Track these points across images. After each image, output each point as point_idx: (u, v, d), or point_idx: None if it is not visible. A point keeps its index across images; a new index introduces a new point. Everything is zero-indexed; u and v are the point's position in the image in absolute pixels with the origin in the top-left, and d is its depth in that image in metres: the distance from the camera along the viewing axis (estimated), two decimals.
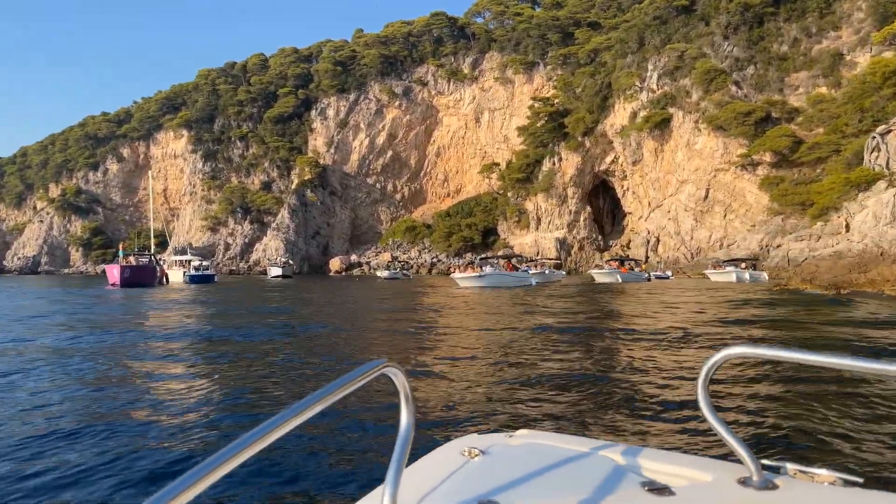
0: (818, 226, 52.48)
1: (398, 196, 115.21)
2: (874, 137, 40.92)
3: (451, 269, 44.44)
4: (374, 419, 6.24)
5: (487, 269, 39.55)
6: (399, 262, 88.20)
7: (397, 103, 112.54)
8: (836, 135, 57.33)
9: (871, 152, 40.70)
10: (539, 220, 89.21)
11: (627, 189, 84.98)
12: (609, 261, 52.91)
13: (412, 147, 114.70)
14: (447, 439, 2.01)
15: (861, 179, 38.99)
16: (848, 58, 63.13)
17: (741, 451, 1.51)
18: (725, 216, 65.34)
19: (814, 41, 66.54)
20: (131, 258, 49.40)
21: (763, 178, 61.41)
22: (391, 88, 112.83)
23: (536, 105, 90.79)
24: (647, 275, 51.65)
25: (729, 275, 45.51)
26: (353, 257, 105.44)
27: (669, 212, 70.22)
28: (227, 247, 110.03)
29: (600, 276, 48.24)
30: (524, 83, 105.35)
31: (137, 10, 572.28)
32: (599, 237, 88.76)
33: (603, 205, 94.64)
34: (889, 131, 39.29)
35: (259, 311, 23.50)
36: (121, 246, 50.99)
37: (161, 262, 58.98)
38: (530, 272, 43.11)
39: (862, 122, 56.49)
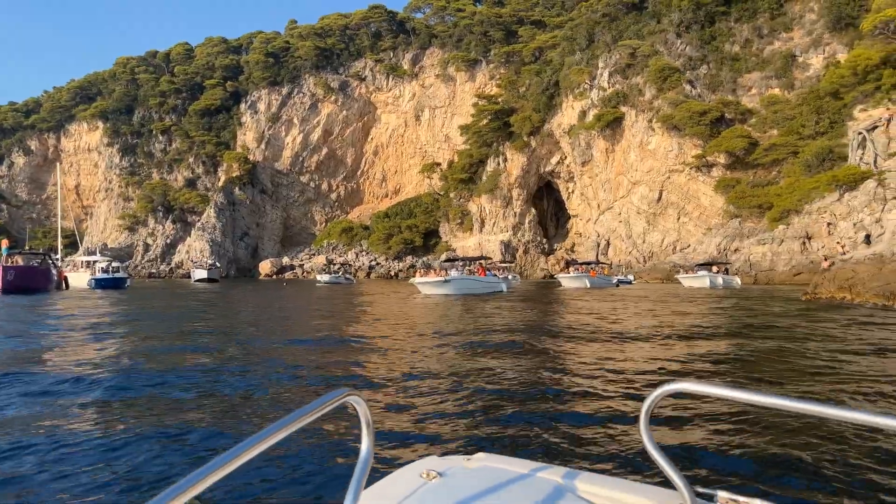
0: (780, 229, 50.65)
1: (334, 196, 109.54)
2: (860, 133, 38.96)
3: (416, 273, 39.14)
4: (335, 442, 5.98)
5: (454, 274, 34.85)
6: (341, 265, 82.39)
7: (333, 98, 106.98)
8: (793, 136, 55.90)
9: (857, 149, 38.67)
10: (483, 222, 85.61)
11: (573, 191, 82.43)
12: (578, 264, 49.41)
13: (349, 144, 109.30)
14: (408, 461, 2.04)
15: (849, 179, 36.84)
16: (800, 59, 62.11)
17: (676, 479, 1.61)
18: (679, 219, 63.20)
19: (766, 42, 65.40)
20: (18, 257, 41.42)
21: (719, 180, 59.51)
22: (327, 82, 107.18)
23: (481, 103, 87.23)
24: (615, 279, 48.41)
25: (702, 280, 42.67)
26: (285, 260, 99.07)
27: (621, 214, 67.70)
28: (147, 248, 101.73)
29: (568, 282, 44.61)
30: (466, 81, 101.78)
31: None
32: (544, 240, 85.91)
33: (547, 207, 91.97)
34: (875, 127, 37.35)
35: (171, 324, 18.45)
36: (2, 243, 42.44)
37: (58, 263, 50.33)
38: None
39: (819, 124, 55.27)
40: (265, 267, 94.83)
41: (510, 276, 44.84)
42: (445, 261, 42.76)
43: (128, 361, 11.10)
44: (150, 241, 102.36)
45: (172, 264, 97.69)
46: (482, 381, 8.98)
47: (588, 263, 49.59)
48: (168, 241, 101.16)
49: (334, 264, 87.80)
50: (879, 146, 36.81)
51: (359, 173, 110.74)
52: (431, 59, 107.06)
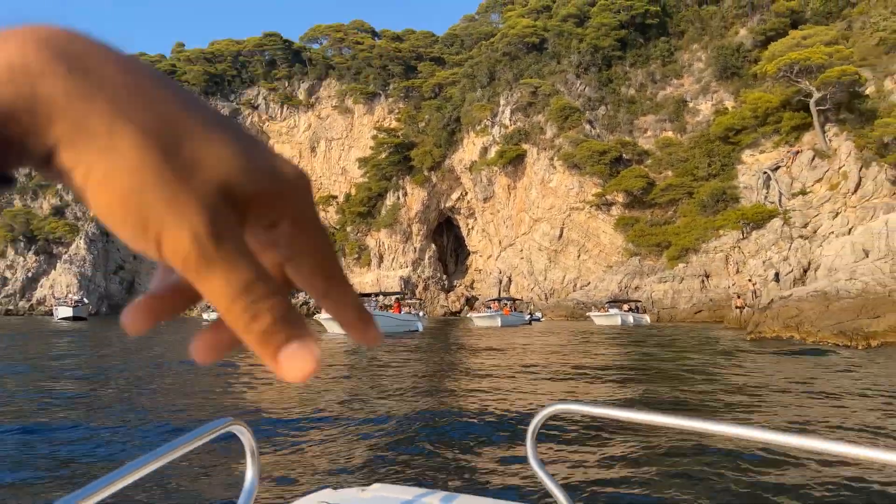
0: (680, 267, 51.44)
1: None
2: (765, 173, 39.98)
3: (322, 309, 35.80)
4: (221, 472, 5.92)
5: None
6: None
7: None
8: (688, 177, 57.59)
9: (760, 190, 39.58)
10: (381, 257, 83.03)
11: (473, 227, 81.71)
12: (491, 301, 47.63)
13: None
14: (303, 493, 2.04)
15: (757, 217, 37.46)
16: (691, 105, 64.75)
17: (559, 495, 1.67)
18: (579, 256, 63.41)
19: (659, 87, 67.88)
20: None
21: (618, 219, 60.26)
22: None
23: (380, 136, 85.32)
24: (528, 317, 46.95)
25: (614, 318, 41.93)
26: None
27: (522, 251, 67.23)
28: (5, 282, 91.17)
29: (481, 321, 42.57)
30: (364, 113, 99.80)
31: None
32: (444, 276, 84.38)
33: (447, 243, 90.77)
34: (777, 167, 38.39)
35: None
36: None
37: None
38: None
39: (711, 167, 57.28)
40: None
41: (421, 314, 42.35)
42: (361, 295, 39.86)
43: None
44: (8, 274, 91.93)
45: (33, 300, 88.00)
46: (382, 411, 8.87)
47: (499, 300, 48.05)
48: (29, 274, 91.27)
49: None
50: (783, 185, 37.92)
51: None
52: (328, 90, 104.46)
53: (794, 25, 59.26)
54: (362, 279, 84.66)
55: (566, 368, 15.63)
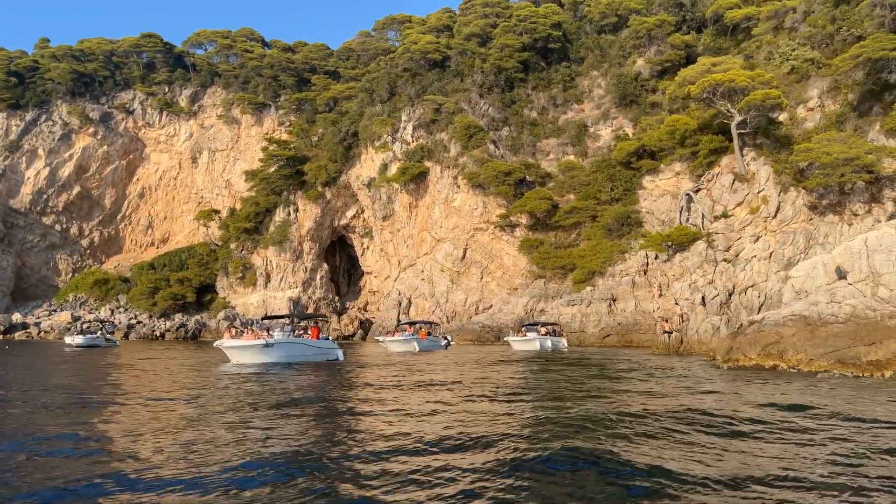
0: (588, 290, 50.88)
1: (86, 242, 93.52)
2: (687, 195, 39.84)
3: (226, 332, 30.06)
4: None
5: (278, 335, 27.02)
6: (100, 322, 67.88)
7: (92, 130, 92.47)
8: (591, 200, 57.66)
9: (682, 212, 39.40)
10: (269, 276, 77.75)
11: (368, 247, 78.46)
12: (406, 324, 44.40)
13: (108, 184, 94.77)
14: None
15: (681, 239, 37.04)
16: (591, 130, 65.45)
17: None
18: (482, 278, 61.83)
19: (560, 111, 68.28)
20: None
21: (522, 240, 59.31)
22: (84, 111, 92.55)
23: (271, 147, 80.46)
24: (444, 341, 44.11)
25: (532, 342, 40.09)
26: (16, 317, 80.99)
27: (423, 271, 64.78)
28: None
29: (396, 346, 39.28)
30: (253, 124, 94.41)
31: None
32: (336, 298, 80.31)
33: (339, 263, 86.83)
34: (698, 189, 38.34)
35: None
36: None
37: None
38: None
39: (614, 191, 57.67)
40: None
41: (328, 337, 38.34)
42: (264, 318, 34.53)
43: None
44: None
45: None
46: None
47: (414, 323, 44.98)
48: None
49: (84, 322, 73.19)
50: (706, 207, 37.93)
51: (119, 217, 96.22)
52: (214, 98, 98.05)
53: (688, 58, 61.55)
54: (246, 300, 78.93)
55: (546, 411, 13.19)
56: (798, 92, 43.79)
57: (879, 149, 34.93)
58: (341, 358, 28.85)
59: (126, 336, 75.46)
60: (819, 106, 42.16)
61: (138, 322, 79.34)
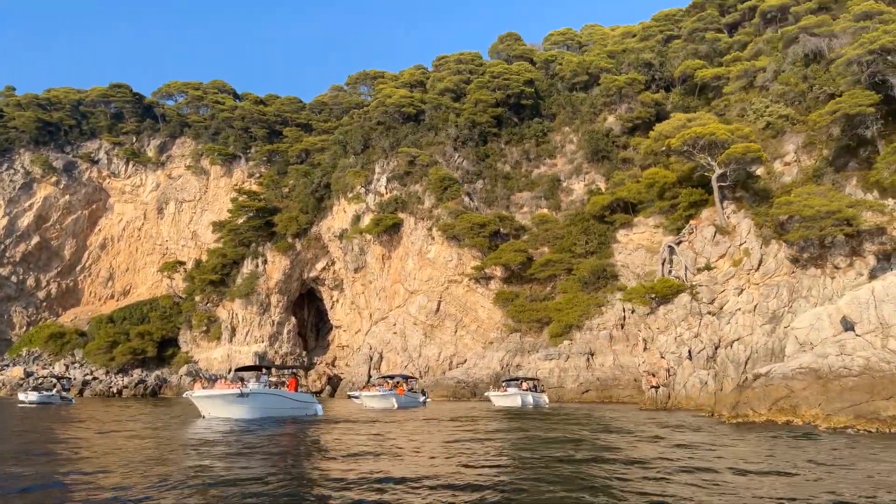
0: (565, 344, 49.95)
1: (42, 294, 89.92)
2: (669, 247, 39.53)
3: (194, 383, 27.92)
4: None
5: (253, 386, 25.02)
6: (57, 377, 64.14)
7: (54, 179, 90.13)
8: (566, 254, 57.32)
9: (664, 264, 39.00)
10: (234, 330, 75.20)
11: (338, 300, 76.69)
12: (383, 378, 42.59)
13: (69, 234, 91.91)
14: None
15: (665, 291, 36.48)
16: (564, 184, 65.73)
17: None
18: (456, 331, 60.51)
19: (533, 165, 68.63)
20: None
21: (497, 293, 58.44)
22: (48, 160, 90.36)
23: (241, 198, 79.08)
24: (423, 397, 42.35)
25: (514, 398, 38.65)
26: None
27: (396, 325, 63.21)
28: None
29: (374, 402, 37.42)
30: (222, 175, 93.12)
31: None
32: (304, 353, 77.86)
33: (308, 316, 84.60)
34: (680, 241, 38.09)
35: None
36: None
37: None
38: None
39: (588, 244, 57.48)
40: None
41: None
42: (239, 369, 32.31)
43: None
44: None
45: None
46: None
47: (391, 377, 43.17)
48: None
49: (38, 378, 69.35)
50: (688, 259, 37.65)
51: (79, 269, 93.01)
52: (183, 148, 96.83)
53: (658, 115, 62.69)
54: (210, 355, 76.07)
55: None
56: (774, 147, 44.53)
57: (860, 202, 35.31)
58: (320, 413, 27.10)
59: (81, 393, 71.51)
60: (795, 160, 42.86)
61: (94, 378, 75.52)
